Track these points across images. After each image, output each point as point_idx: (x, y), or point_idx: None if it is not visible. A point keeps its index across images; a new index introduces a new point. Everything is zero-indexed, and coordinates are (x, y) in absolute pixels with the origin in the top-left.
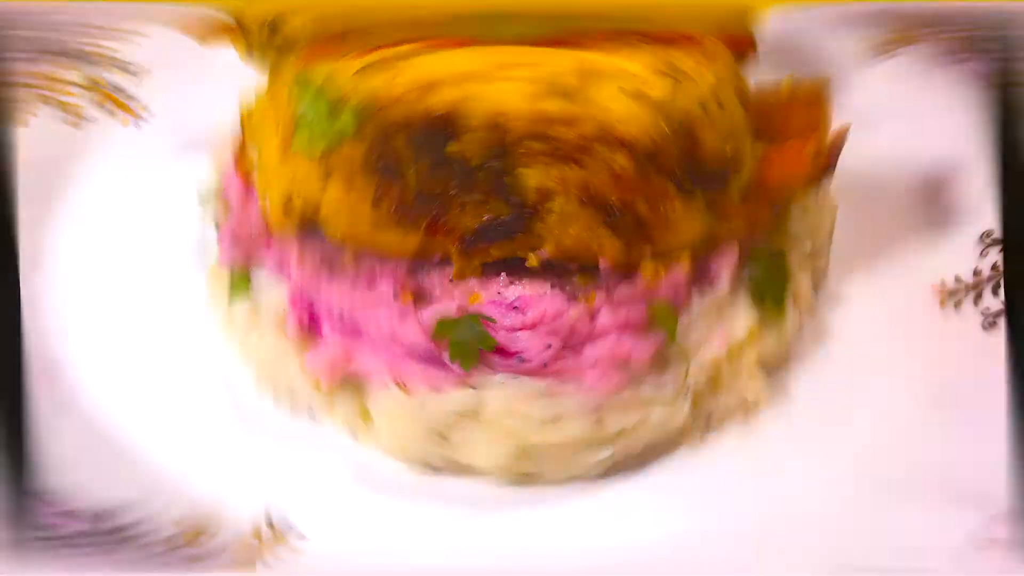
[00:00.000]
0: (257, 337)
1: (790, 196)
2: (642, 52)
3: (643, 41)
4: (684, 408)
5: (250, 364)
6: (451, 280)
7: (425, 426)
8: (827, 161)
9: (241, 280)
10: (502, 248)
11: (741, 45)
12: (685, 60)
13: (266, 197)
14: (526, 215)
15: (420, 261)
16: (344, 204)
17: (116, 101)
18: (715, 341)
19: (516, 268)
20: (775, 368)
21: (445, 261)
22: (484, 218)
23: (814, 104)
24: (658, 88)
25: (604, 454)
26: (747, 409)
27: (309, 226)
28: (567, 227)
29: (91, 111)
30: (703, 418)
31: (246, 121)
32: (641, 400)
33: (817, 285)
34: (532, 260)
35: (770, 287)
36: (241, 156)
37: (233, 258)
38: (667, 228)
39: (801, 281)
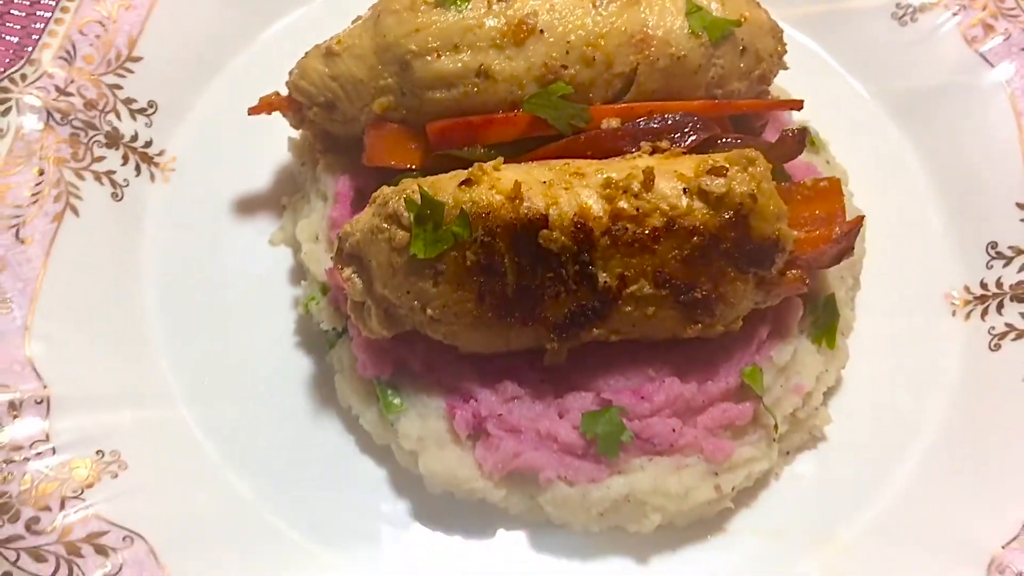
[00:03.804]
0: (432, 445)
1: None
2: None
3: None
4: (774, 455)
5: (426, 470)
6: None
7: (590, 512)
8: (848, 244)
9: (389, 391)
10: (590, 332)
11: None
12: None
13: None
14: (610, 300)
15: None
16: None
17: None
18: (793, 393)
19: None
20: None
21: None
22: (574, 306)
23: (831, 197)
24: (713, 185)
25: (722, 506)
26: (815, 437)
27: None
28: (645, 308)
29: None
30: (782, 455)
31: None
32: (745, 459)
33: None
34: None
35: (826, 328)
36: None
37: (378, 369)
38: (727, 303)
39: (847, 314)
